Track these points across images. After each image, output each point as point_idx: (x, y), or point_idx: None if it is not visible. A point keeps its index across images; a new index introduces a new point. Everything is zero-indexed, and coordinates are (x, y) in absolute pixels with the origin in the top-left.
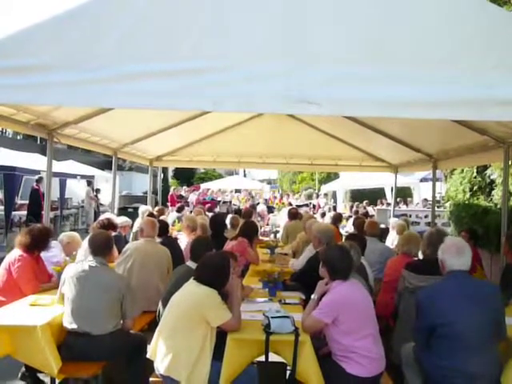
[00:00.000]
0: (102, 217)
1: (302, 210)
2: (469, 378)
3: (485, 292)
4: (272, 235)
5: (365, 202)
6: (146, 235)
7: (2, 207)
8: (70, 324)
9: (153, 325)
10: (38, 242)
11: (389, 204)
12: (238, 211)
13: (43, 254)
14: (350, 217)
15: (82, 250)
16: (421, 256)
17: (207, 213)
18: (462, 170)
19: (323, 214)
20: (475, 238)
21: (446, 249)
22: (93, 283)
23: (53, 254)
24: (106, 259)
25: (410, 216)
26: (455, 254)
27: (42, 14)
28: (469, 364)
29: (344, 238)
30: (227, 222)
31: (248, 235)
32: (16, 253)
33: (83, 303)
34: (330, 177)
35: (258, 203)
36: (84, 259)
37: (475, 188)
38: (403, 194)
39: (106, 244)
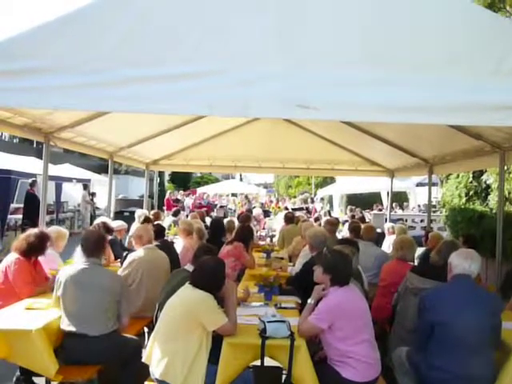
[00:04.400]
0: (98, 220)
1: (297, 214)
2: (465, 380)
3: (485, 298)
4: (268, 239)
5: (357, 209)
6: (146, 242)
7: None
8: (67, 326)
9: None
10: (34, 248)
11: (380, 210)
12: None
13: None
14: (347, 221)
15: (79, 252)
16: (416, 261)
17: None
18: (458, 175)
19: (317, 219)
20: (470, 243)
21: (458, 253)
22: (88, 285)
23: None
24: (100, 258)
25: (406, 220)
26: (464, 258)
27: (41, 16)
28: (465, 366)
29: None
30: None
31: (244, 239)
32: (13, 256)
33: (80, 306)
34: (326, 181)
35: (254, 207)
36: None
37: (471, 193)
38: (399, 198)
39: (98, 244)
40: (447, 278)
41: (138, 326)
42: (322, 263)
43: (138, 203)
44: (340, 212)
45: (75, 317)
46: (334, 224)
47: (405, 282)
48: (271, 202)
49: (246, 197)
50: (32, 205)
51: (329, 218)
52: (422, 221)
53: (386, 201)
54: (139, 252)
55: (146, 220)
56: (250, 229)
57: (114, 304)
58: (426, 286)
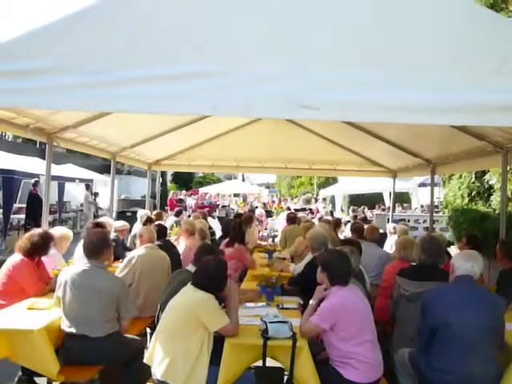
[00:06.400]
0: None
1: (300, 215)
2: (467, 381)
3: (487, 298)
4: (270, 239)
5: (362, 207)
6: (146, 241)
7: (1, 210)
8: (68, 327)
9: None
10: (38, 248)
11: (383, 210)
12: (238, 215)
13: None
14: (349, 222)
15: (79, 252)
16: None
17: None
18: (461, 176)
19: (320, 219)
20: (473, 244)
21: (459, 255)
22: (88, 287)
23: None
24: (102, 259)
25: (409, 221)
26: (466, 259)
27: (45, 16)
28: (467, 367)
29: (339, 243)
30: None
31: (241, 239)
32: (17, 257)
33: (79, 307)
34: (328, 181)
35: (257, 207)
36: (80, 262)
37: (474, 193)
38: (401, 198)
39: (98, 245)
40: (442, 275)
41: (139, 327)
42: (319, 262)
43: (141, 203)
44: (342, 212)
45: (74, 318)
46: (327, 223)
47: (398, 289)
48: (273, 202)
49: (245, 199)
50: (35, 205)
51: (324, 217)
52: (424, 221)
53: (388, 201)
54: (139, 250)
55: (148, 220)
56: (238, 225)
57: (113, 307)
58: (420, 289)
